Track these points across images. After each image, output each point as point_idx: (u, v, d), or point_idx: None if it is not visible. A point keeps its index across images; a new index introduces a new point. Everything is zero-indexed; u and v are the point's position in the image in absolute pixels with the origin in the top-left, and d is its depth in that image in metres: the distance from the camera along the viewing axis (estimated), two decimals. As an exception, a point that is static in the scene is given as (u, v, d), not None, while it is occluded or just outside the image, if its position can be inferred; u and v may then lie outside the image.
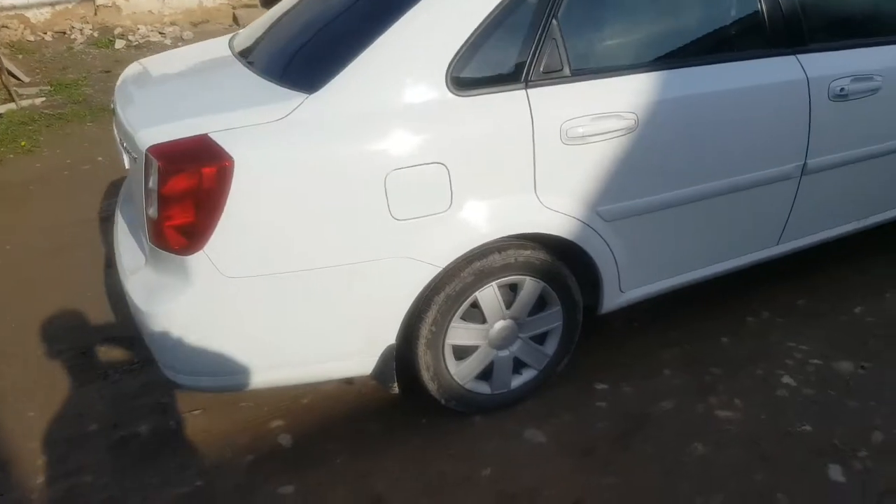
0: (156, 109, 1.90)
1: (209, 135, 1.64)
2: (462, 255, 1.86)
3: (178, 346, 1.75)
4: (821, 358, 2.33)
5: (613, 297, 2.20)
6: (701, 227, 2.23)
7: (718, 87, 2.06)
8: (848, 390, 2.18)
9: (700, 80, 2.04)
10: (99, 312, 2.71)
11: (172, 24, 7.68)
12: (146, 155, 1.66)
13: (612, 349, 2.40)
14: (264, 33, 2.28)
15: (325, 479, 1.96)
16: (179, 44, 7.11)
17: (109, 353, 2.49)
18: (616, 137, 1.92)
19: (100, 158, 4.22)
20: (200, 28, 7.71)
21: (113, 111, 2.13)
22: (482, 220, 1.85)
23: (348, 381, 2.30)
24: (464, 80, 1.78)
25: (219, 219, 1.63)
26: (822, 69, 2.20)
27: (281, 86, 1.81)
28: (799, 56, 2.18)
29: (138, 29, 7.42)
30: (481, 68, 1.81)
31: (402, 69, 1.75)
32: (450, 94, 1.77)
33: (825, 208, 2.49)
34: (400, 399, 2.11)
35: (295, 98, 1.71)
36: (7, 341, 2.57)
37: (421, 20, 1.76)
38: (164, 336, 1.74)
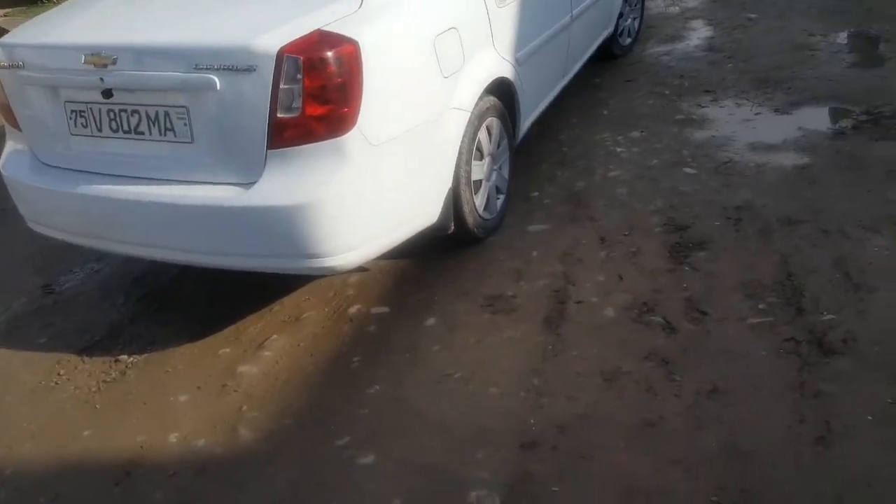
0: (223, 26, 1.98)
1: (321, 29, 1.87)
2: (475, 102, 2.44)
3: (339, 221, 1.98)
4: (620, 135, 3.58)
5: (521, 129, 3.03)
6: (547, 66, 3.20)
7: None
8: (631, 143, 3.47)
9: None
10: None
11: None
12: (278, 57, 1.80)
13: (520, 172, 3.22)
14: None
15: (448, 306, 2.43)
16: None
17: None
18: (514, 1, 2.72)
19: None
20: None
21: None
22: (479, 71, 2.47)
23: (362, 269, 2.63)
24: (437, -34, 2.34)
25: (361, 95, 1.90)
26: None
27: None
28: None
29: None
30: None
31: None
32: (437, -22, 2.32)
33: (578, 46, 3.71)
34: (418, 260, 2.65)
35: (353, -7, 2.04)
36: None
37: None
38: (323, 216, 1.94)
